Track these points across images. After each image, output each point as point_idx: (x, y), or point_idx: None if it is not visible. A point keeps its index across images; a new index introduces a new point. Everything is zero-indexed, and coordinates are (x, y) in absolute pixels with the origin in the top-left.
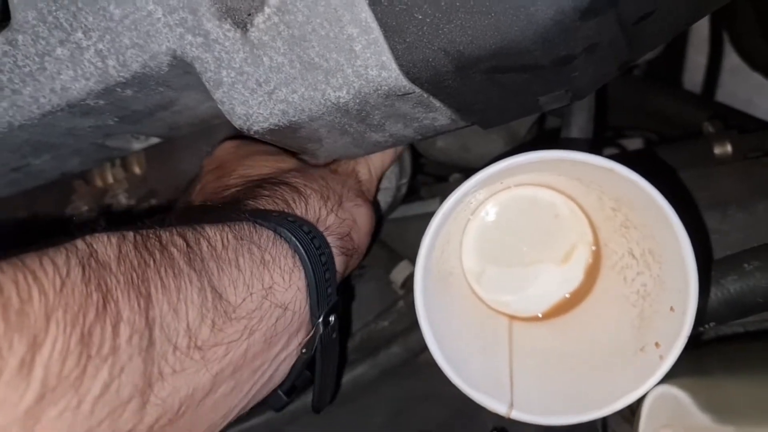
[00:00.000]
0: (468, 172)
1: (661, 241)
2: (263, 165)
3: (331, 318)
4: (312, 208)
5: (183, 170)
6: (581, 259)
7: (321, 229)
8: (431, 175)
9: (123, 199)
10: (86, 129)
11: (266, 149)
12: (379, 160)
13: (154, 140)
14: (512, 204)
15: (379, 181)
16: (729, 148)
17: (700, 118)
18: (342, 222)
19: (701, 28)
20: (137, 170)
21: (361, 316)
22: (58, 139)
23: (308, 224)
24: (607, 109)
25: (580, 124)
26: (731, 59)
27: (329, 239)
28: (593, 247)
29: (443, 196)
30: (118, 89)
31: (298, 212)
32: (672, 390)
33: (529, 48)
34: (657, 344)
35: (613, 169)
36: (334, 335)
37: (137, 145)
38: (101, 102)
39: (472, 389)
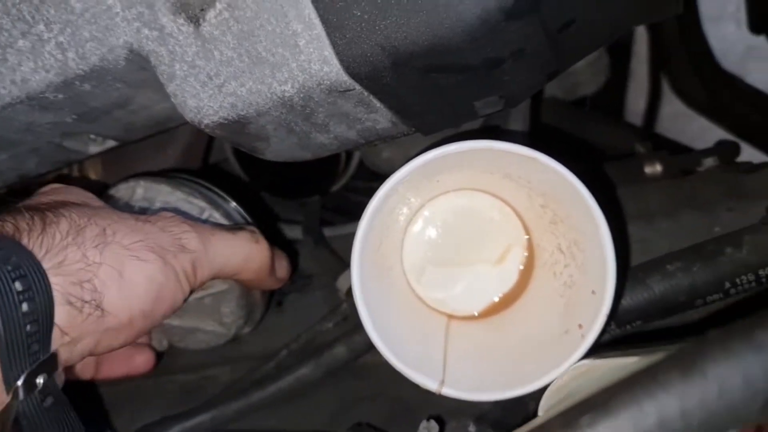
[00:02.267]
0: None
1: (583, 230)
2: (74, 195)
3: (40, 380)
4: (49, 236)
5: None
6: (515, 259)
7: (46, 262)
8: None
9: None
10: (44, 125)
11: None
12: (226, 250)
13: (111, 143)
14: (449, 208)
15: (211, 277)
16: (658, 167)
17: (634, 142)
18: (89, 265)
19: (641, 69)
20: (93, 176)
21: (308, 322)
22: (16, 135)
23: (14, 247)
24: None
25: (518, 125)
26: (669, 97)
27: (54, 279)
28: (526, 248)
29: None
30: (77, 82)
31: (22, 238)
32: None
33: (459, 46)
34: (580, 326)
35: (536, 158)
36: (48, 402)
37: (94, 149)
38: (60, 96)
39: (405, 366)
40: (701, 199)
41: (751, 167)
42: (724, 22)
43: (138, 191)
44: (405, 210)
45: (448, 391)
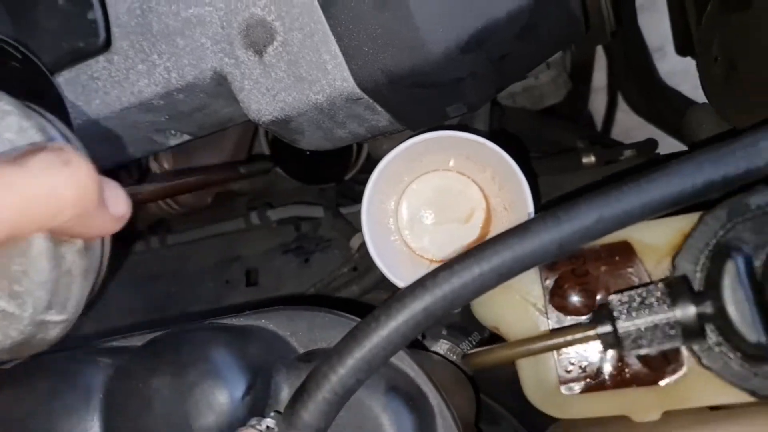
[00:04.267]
0: None
1: (515, 191)
2: None
3: None
4: None
5: (199, 165)
6: (478, 218)
7: None
8: None
9: None
10: (145, 123)
11: None
12: (11, 195)
13: (186, 137)
14: (429, 183)
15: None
16: (592, 158)
17: (576, 140)
18: None
19: (601, 82)
20: (166, 165)
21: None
22: (123, 130)
23: None
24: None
25: (481, 125)
26: (623, 107)
27: None
28: (485, 210)
29: None
30: (175, 93)
31: None
32: None
33: (430, 70)
34: None
35: (481, 142)
36: None
37: (173, 141)
38: (162, 102)
39: (396, 279)
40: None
41: (661, 158)
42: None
43: None
44: (399, 184)
45: None
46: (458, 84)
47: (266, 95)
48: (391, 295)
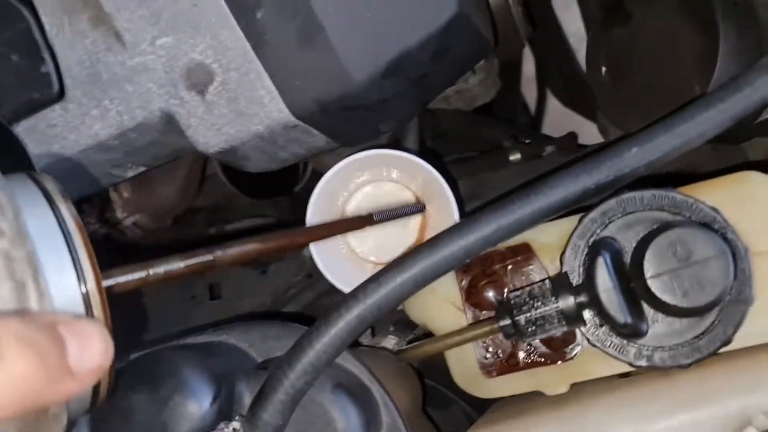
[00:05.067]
0: None
1: (442, 197)
2: None
3: None
4: None
5: (158, 192)
6: (415, 223)
7: None
8: None
9: (118, 214)
10: (103, 160)
11: None
12: None
13: (142, 169)
14: (371, 192)
15: None
16: (518, 155)
17: (504, 138)
18: None
19: (530, 79)
20: (125, 194)
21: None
22: (82, 169)
23: None
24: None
25: (410, 140)
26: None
27: None
28: (420, 215)
29: None
30: (128, 133)
31: None
32: None
33: (357, 95)
34: None
35: (409, 158)
36: None
37: (130, 173)
38: (116, 142)
39: (342, 284)
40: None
41: (579, 150)
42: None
43: None
44: (341, 195)
45: None
46: (385, 104)
47: (211, 129)
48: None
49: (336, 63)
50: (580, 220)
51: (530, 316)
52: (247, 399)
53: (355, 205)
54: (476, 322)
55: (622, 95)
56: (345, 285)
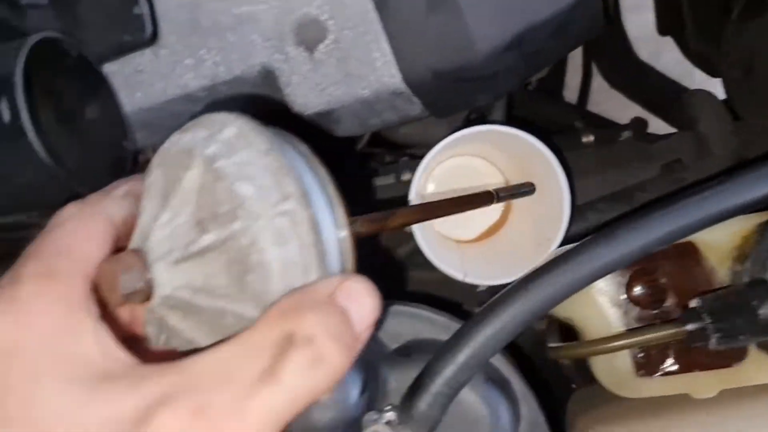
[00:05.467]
0: (420, 149)
1: (545, 179)
2: None
3: None
4: None
5: None
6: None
7: None
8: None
9: None
10: (182, 112)
11: None
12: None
13: None
14: (457, 166)
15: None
16: (591, 137)
17: (574, 119)
18: None
19: (576, 56)
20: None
21: None
22: (162, 120)
23: None
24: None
25: (497, 115)
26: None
27: None
28: None
29: (396, 173)
30: (220, 86)
31: None
32: None
33: (475, 66)
34: (548, 239)
35: (517, 135)
36: None
37: None
38: (204, 94)
39: (443, 264)
40: (620, 160)
41: (654, 138)
42: (643, 11)
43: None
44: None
45: (470, 280)
46: (495, 77)
47: (313, 90)
48: (494, 294)
49: (462, 31)
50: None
51: (724, 324)
52: (392, 387)
53: (438, 182)
54: (654, 324)
55: (752, 87)
56: (439, 260)
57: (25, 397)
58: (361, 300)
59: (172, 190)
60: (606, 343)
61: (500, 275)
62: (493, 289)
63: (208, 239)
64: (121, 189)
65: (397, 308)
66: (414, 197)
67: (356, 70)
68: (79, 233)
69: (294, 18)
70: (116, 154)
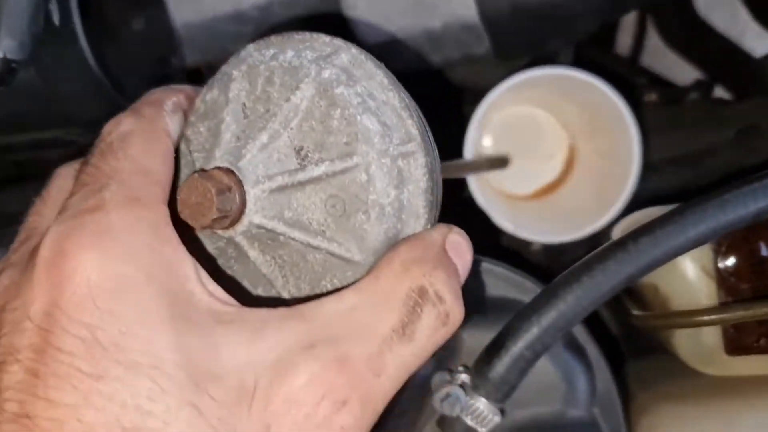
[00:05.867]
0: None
1: (616, 136)
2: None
3: None
4: None
5: None
6: (559, 160)
7: None
8: None
9: None
10: (228, 33)
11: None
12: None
13: None
14: (516, 116)
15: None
16: (654, 96)
17: (633, 75)
18: None
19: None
20: None
21: None
22: (205, 39)
23: None
24: None
25: (565, 60)
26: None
27: None
28: (569, 150)
29: None
30: (275, 5)
31: None
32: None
33: (561, 3)
34: (611, 200)
35: (593, 83)
36: None
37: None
38: (256, 14)
39: (494, 214)
40: (688, 122)
41: (723, 101)
42: None
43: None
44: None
45: (520, 233)
46: (574, 18)
47: (379, 17)
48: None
49: None
50: None
51: None
52: (461, 345)
53: (495, 132)
54: (754, 300)
55: None
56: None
57: (149, 340)
58: (464, 255)
59: (269, 109)
60: (701, 316)
61: (555, 233)
62: (548, 249)
63: (317, 170)
64: (169, 102)
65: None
66: (470, 148)
67: None
68: (149, 151)
69: None
70: (162, 70)
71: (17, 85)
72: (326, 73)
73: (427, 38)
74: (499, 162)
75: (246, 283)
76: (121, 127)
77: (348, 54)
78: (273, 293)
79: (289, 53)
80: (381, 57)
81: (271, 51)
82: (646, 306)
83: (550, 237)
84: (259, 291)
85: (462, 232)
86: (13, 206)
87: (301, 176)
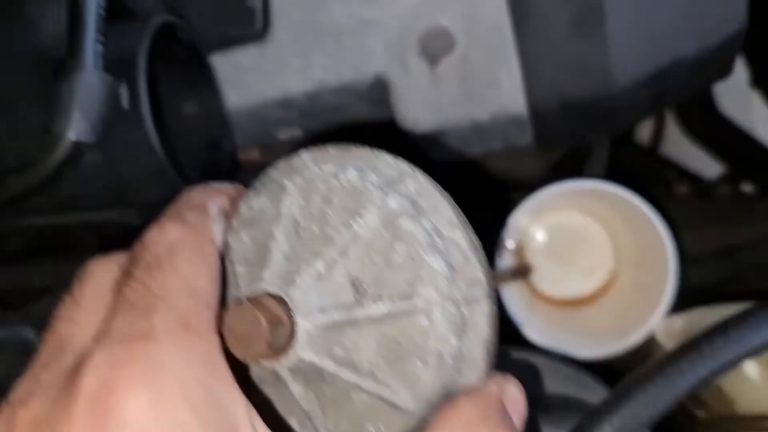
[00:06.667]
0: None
1: (653, 253)
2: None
3: None
4: None
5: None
6: (598, 278)
7: None
8: None
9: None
10: (275, 118)
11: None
12: None
13: (298, 133)
14: (559, 222)
15: None
16: (684, 188)
17: (661, 167)
18: None
19: None
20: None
21: None
22: (250, 123)
23: None
24: None
25: (601, 158)
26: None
27: None
28: (609, 274)
29: None
30: (324, 93)
31: None
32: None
33: (608, 98)
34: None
35: (627, 199)
36: None
37: (283, 135)
38: (303, 100)
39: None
40: (720, 216)
41: (753, 197)
42: None
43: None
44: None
45: (529, 332)
46: (617, 113)
47: (428, 108)
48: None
49: (604, 60)
50: None
51: None
52: None
53: (550, 229)
54: None
55: None
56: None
57: None
58: (520, 409)
59: (326, 232)
60: None
61: (569, 346)
62: None
63: (375, 309)
64: (214, 207)
65: (520, 355)
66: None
67: (479, 90)
68: (198, 267)
69: (422, 26)
70: (213, 154)
71: (81, 166)
72: (392, 203)
73: (473, 129)
74: (522, 272)
75: (282, 413)
76: (166, 236)
77: (414, 182)
78: (309, 427)
79: (351, 173)
80: (425, 146)
81: (330, 166)
82: (707, 409)
83: (577, 350)
84: (293, 422)
85: (517, 383)
86: (36, 279)
87: (357, 313)
